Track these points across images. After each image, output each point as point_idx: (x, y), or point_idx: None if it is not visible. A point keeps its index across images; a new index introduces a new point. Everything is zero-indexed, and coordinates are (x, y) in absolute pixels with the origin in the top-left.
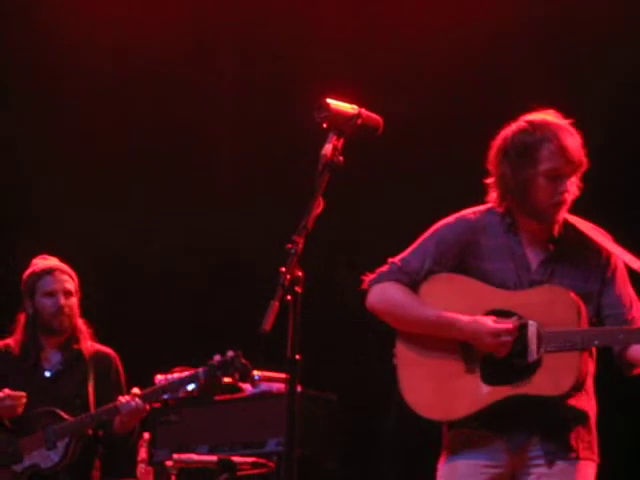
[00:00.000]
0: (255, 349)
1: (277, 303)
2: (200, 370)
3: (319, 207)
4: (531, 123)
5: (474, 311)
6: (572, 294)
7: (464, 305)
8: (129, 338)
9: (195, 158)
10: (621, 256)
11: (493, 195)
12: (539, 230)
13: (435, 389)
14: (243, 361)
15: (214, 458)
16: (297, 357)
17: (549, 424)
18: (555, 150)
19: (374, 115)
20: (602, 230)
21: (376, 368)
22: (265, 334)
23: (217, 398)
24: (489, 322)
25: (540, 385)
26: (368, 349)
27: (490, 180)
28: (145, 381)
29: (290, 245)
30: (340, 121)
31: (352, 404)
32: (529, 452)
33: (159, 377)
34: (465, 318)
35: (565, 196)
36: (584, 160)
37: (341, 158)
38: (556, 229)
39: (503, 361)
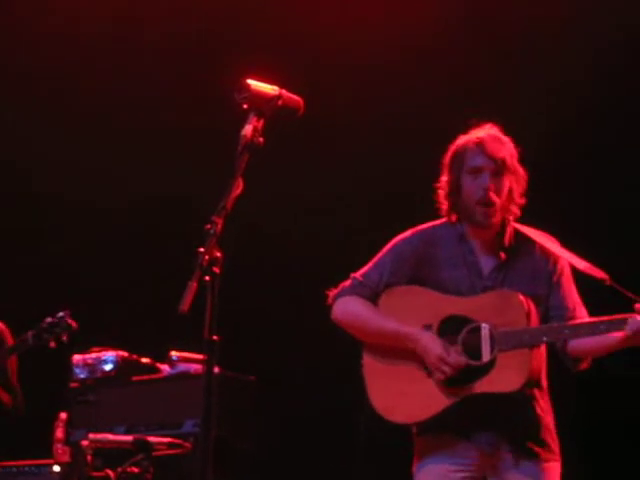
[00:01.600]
0: (173, 329)
1: (195, 284)
2: (29, 333)
3: (238, 188)
4: (466, 136)
5: (430, 319)
6: (521, 296)
7: (421, 314)
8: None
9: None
10: (568, 259)
11: (443, 206)
12: (488, 237)
13: (399, 394)
14: (69, 321)
15: (130, 438)
16: (214, 338)
17: (513, 425)
18: (475, 149)
19: (295, 96)
20: (550, 236)
21: (295, 349)
22: (183, 314)
23: (135, 378)
24: (440, 346)
25: (494, 383)
26: (288, 331)
27: (440, 192)
28: (64, 362)
29: (209, 226)
30: (260, 102)
31: (271, 386)
32: (497, 454)
33: (77, 357)
34: (418, 333)
35: (489, 193)
36: (511, 163)
37: (261, 139)
38: (506, 238)
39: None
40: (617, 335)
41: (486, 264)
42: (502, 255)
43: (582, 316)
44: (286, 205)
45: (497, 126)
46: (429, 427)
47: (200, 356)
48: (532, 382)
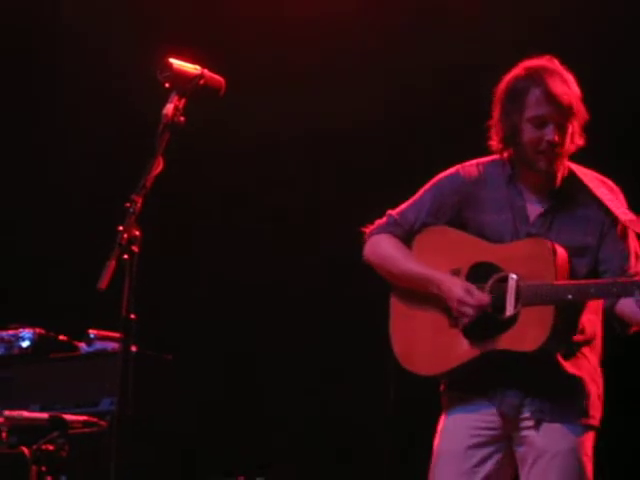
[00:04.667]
0: (91, 307)
1: (114, 262)
2: None
3: (159, 167)
4: (525, 68)
5: (460, 264)
6: (551, 245)
7: (451, 258)
8: None
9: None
10: (614, 209)
11: (494, 142)
12: (539, 181)
13: (420, 342)
14: None
15: (45, 416)
16: (132, 316)
17: (536, 386)
18: (540, 96)
19: (217, 76)
20: (608, 181)
21: (214, 327)
22: (101, 292)
23: (51, 356)
24: (460, 288)
25: (514, 340)
26: (205, 309)
27: (493, 129)
28: None
29: (128, 204)
30: (182, 81)
31: (189, 364)
32: (520, 414)
33: None
34: (442, 276)
35: (552, 144)
36: (577, 107)
37: (182, 118)
38: (558, 180)
39: (484, 315)
40: None
41: (534, 209)
42: (550, 199)
43: None
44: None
45: (557, 59)
46: (452, 383)
47: (118, 334)
48: (559, 341)
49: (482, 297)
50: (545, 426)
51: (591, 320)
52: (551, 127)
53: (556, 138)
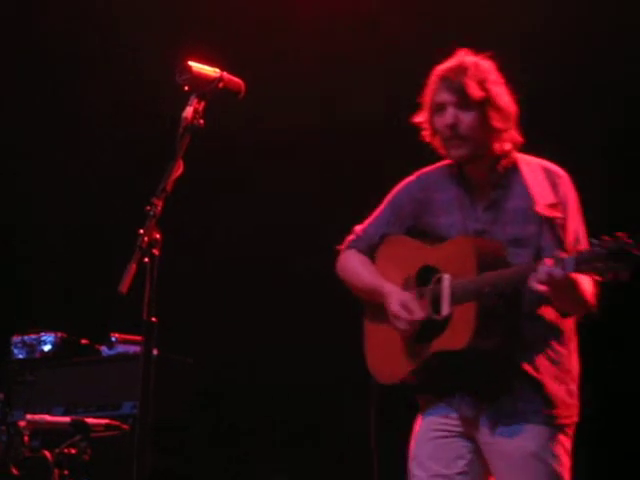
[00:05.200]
0: (112, 311)
1: (134, 265)
2: None
3: (179, 170)
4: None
5: (410, 270)
6: (473, 241)
7: (404, 266)
8: None
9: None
10: (536, 195)
11: (439, 149)
12: (484, 176)
13: (382, 354)
14: None
15: (68, 419)
16: (153, 319)
17: (492, 388)
18: (436, 83)
19: (236, 79)
20: (557, 169)
21: (234, 331)
22: (122, 296)
23: (74, 359)
24: (397, 302)
25: (448, 340)
26: (227, 312)
27: (424, 133)
28: (3, 342)
29: (149, 207)
30: (201, 84)
31: (209, 367)
32: (477, 417)
33: (15, 337)
34: (388, 289)
35: (450, 127)
36: (475, 90)
37: (202, 121)
38: (498, 174)
39: (430, 318)
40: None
41: (480, 205)
42: (492, 193)
43: None
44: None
45: (474, 51)
46: (422, 386)
47: (139, 338)
48: (492, 337)
49: (416, 313)
50: (502, 429)
51: (556, 318)
52: (449, 111)
53: (451, 120)
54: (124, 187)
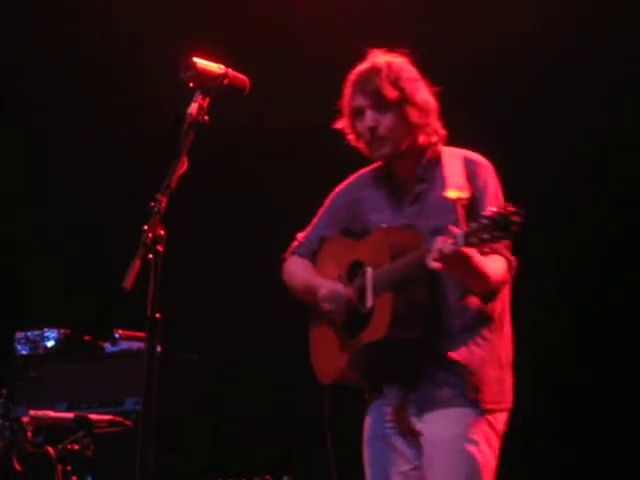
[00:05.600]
0: (116, 307)
1: (138, 261)
2: None
3: (183, 166)
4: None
5: (341, 268)
6: (384, 231)
7: (337, 264)
8: None
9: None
10: (448, 182)
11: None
12: (409, 171)
13: (322, 354)
14: None
15: (71, 415)
16: (157, 316)
17: (418, 376)
18: (350, 90)
19: (241, 75)
20: (479, 158)
21: (237, 328)
22: (126, 292)
23: (77, 356)
24: (325, 288)
25: (370, 331)
26: (231, 309)
27: (350, 138)
28: (6, 338)
29: (153, 204)
30: (206, 80)
31: (214, 363)
32: (406, 406)
33: (19, 333)
34: (319, 282)
35: (370, 130)
36: (389, 90)
37: (206, 117)
38: (421, 167)
39: (358, 313)
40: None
41: (406, 200)
42: (417, 186)
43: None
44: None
45: (387, 50)
46: (355, 384)
47: (142, 334)
48: (411, 325)
49: (344, 293)
50: (428, 415)
51: (484, 305)
52: (367, 114)
53: (371, 123)
54: (125, 186)
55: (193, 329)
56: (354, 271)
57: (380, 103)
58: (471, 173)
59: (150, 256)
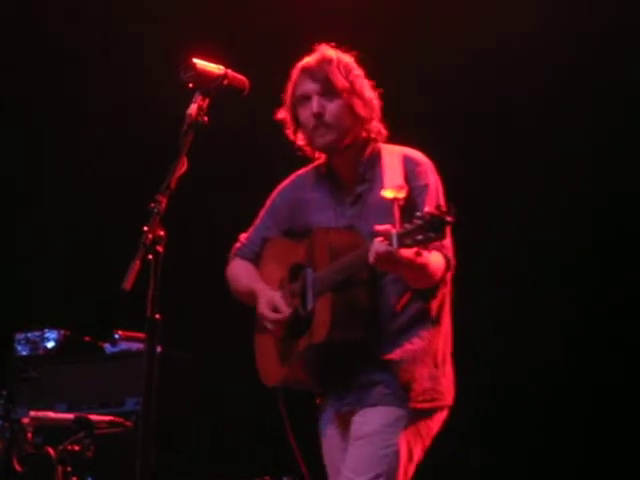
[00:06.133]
0: (116, 307)
1: (138, 262)
2: None
3: (183, 167)
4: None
5: (283, 270)
6: (325, 232)
7: (280, 267)
8: None
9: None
10: (385, 181)
11: (304, 146)
12: (349, 169)
13: (266, 357)
14: None
15: (71, 416)
16: (157, 316)
17: (353, 377)
18: (298, 76)
19: (240, 76)
20: (418, 155)
21: (237, 328)
22: (126, 293)
23: (77, 356)
24: (265, 304)
25: (311, 334)
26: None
27: (288, 132)
28: (5, 339)
29: (153, 204)
30: (206, 81)
31: (214, 363)
32: (341, 408)
33: (19, 334)
34: (261, 291)
35: (315, 116)
36: (339, 80)
37: (206, 118)
38: (363, 164)
39: (299, 315)
40: None
41: (348, 200)
42: (358, 187)
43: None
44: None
45: (335, 46)
46: (300, 387)
47: (142, 334)
48: (351, 326)
49: (281, 311)
50: (358, 414)
51: (422, 305)
52: (314, 99)
53: (317, 109)
54: (124, 186)
55: (193, 329)
56: (295, 273)
57: (329, 90)
58: (410, 172)
59: (150, 257)
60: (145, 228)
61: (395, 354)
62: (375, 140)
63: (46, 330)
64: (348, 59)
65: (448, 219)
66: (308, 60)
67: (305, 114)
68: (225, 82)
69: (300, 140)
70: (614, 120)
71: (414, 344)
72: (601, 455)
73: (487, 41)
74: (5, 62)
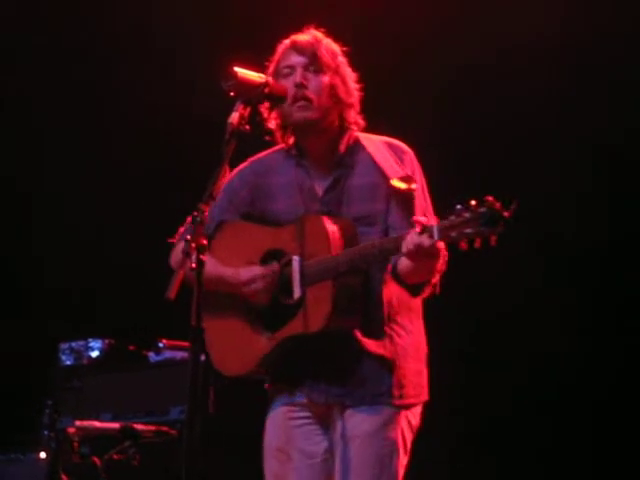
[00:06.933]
0: (160, 317)
1: (182, 271)
2: None
3: (225, 175)
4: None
5: (252, 256)
6: (321, 219)
7: (245, 252)
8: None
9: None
10: (387, 170)
11: (273, 127)
12: (323, 153)
13: (228, 345)
14: None
15: (117, 425)
16: (201, 325)
17: (339, 371)
18: (286, 48)
19: (281, 84)
20: (401, 144)
21: None
22: (169, 302)
23: (121, 366)
24: (243, 272)
25: (302, 323)
26: None
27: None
28: (50, 348)
29: (196, 213)
30: (247, 90)
31: None
32: (327, 402)
33: (63, 343)
34: (229, 271)
35: (299, 86)
36: (325, 57)
37: (247, 127)
38: (340, 150)
39: (278, 304)
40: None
41: (321, 185)
42: (335, 172)
43: None
44: None
45: (321, 30)
46: (271, 377)
47: (186, 343)
48: (347, 317)
49: (267, 268)
50: (349, 412)
51: (402, 294)
52: (298, 71)
53: (302, 80)
54: (170, 193)
55: None
56: (270, 260)
57: (314, 63)
58: (400, 160)
59: (193, 266)
60: (188, 237)
61: (385, 346)
62: (352, 128)
63: (90, 339)
64: (336, 46)
65: (505, 214)
66: (296, 36)
67: (287, 84)
68: (266, 90)
69: (274, 119)
70: (624, 120)
71: (401, 336)
72: (604, 455)
73: (488, 43)
74: (5, 62)
